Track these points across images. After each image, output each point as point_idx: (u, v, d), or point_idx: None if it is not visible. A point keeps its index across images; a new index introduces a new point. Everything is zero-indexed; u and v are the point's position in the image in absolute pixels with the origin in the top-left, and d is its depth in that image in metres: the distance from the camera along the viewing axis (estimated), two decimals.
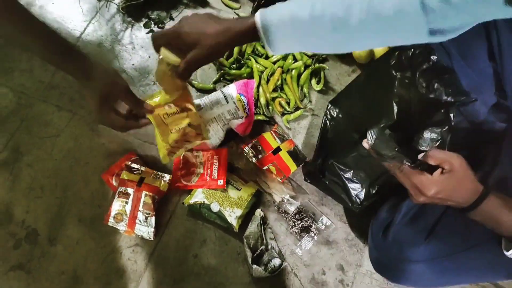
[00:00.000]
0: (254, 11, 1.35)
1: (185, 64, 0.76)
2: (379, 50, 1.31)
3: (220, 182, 1.11)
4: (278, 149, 1.16)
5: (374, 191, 1.02)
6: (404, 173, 0.76)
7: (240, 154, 1.16)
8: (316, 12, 0.66)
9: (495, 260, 0.84)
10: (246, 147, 1.15)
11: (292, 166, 1.15)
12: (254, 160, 1.13)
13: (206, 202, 1.08)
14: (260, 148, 1.16)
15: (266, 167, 1.13)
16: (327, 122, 1.11)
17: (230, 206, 1.08)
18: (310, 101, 1.29)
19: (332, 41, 0.70)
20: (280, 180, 1.13)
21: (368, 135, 0.82)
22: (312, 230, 1.12)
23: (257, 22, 0.69)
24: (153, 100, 0.89)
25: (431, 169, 0.75)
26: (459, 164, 0.73)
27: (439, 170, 0.74)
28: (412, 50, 1.00)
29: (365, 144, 0.82)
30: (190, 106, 0.92)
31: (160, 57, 0.79)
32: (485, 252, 0.84)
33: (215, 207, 1.07)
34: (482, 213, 0.75)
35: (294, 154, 1.18)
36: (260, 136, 1.18)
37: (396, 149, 0.78)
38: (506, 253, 0.75)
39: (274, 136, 1.19)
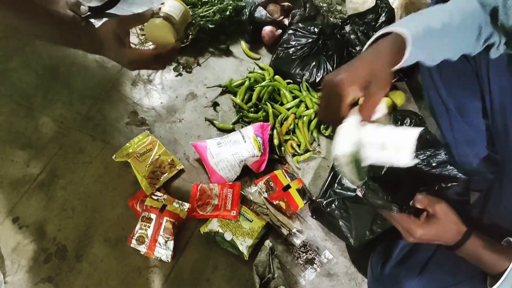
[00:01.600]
0: (272, 62, 1.51)
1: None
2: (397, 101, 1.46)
3: (233, 213, 1.23)
4: (288, 187, 1.29)
5: (370, 233, 1.14)
6: (394, 218, 0.88)
7: (253, 189, 1.28)
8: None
9: None
10: (260, 182, 1.27)
11: (300, 202, 1.27)
12: (266, 194, 1.25)
13: (220, 231, 1.20)
14: (272, 185, 1.28)
15: (276, 202, 1.25)
16: (334, 167, 1.24)
17: (242, 236, 1.19)
18: (319, 145, 1.43)
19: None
20: (289, 215, 1.25)
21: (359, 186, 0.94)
22: (315, 262, 1.22)
23: (406, 37, 0.73)
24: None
25: (419, 212, 0.87)
26: (440, 209, 0.85)
27: (424, 213, 0.87)
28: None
29: (359, 193, 0.95)
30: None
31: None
32: (473, 287, 0.94)
33: (228, 236, 1.19)
34: (465, 252, 0.86)
35: (302, 192, 1.30)
36: (272, 173, 1.31)
37: (385, 198, 0.90)
38: None
39: (285, 174, 1.32)
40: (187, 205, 1.25)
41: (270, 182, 1.28)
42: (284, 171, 1.32)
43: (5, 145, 1.33)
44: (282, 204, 1.25)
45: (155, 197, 1.26)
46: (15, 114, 1.39)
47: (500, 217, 0.99)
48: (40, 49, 1.52)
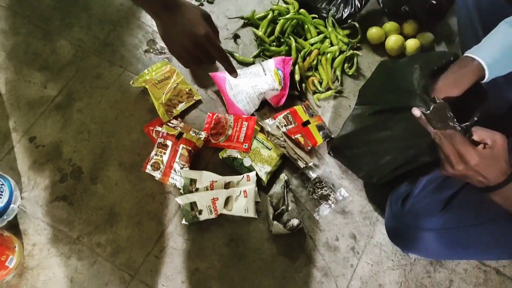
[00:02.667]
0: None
1: None
2: (411, 45, 1.39)
3: (245, 145, 1.20)
4: (307, 122, 1.25)
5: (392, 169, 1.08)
6: (453, 140, 0.81)
7: (271, 122, 1.25)
8: None
9: (502, 238, 0.90)
10: (279, 116, 1.24)
11: (319, 139, 1.24)
12: (284, 129, 1.22)
13: (239, 156, 1.18)
14: (291, 119, 1.25)
15: (295, 136, 1.22)
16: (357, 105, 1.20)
17: (261, 162, 1.18)
18: (341, 84, 1.38)
19: None
20: (306, 150, 1.22)
21: (421, 104, 0.90)
22: (330, 199, 1.20)
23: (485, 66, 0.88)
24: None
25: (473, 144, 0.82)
26: (501, 142, 0.80)
27: (481, 145, 0.82)
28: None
29: (416, 111, 0.89)
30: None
31: None
32: (495, 229, 0.90)
33: (247, 162, 1.17)
34: (503, 195, 0.81)
35: (322, 128, 1.26)
36: (292, 108, 1.27)
37: (452, 116, 0.87)
38: None
39: (305, 110, 1.28)
40: (203, 134, 1.23)
41: (289, 117, 1.25)
42: (304, 107, 1.29)
43: (22, 66, 1.31)
44: (301, 139, 1.22)
45: (171, 125, 1.25)
46: (32, 35, 1.36)
47: None
48: None
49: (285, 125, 1.23)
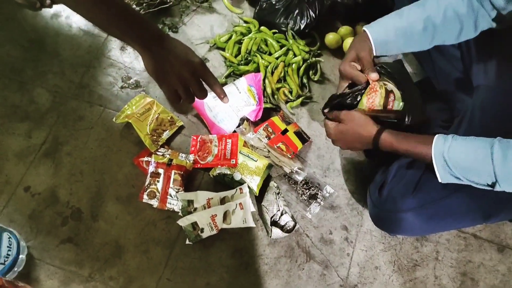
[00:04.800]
0: (256, 14, 1.54)
1: None
2: (347, 40, 1.52)
3: (233, 161, 1.28)
4: (286, 130, 1.35)
5: None
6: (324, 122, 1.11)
7: (253, 136, 1.34)
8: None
9: (470, 204, 1.01)
10: (259, 129, 1.33)
11: (298, 144, 1.34)
12: (266, 140, 1.32)
13: (229, 172, 1.27)
14: (270, 130, 1.34)
15: (277, 145, 1.31)
16: None
17: (250, 174, 1.27)
18: (309, 90, 1.49)
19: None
20: (290, 157, 1.32)
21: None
22: (318, 197, 1.31)
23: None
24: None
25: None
26: (344, 115, 1.04)
27: (336, 123, 1.07)
28: None
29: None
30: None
31: None
32: (462, 197, 1.01)
33: (237, 176, 1.26)
34: (385, 146, 0.99)
35: (299, 134, 1.37)
36: (269, 120, 1.37)
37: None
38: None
39: (282, 119, 1.38)
40: (192, 157, 1.31)
41: (269, 128, 1.35)
42: (280, 117, 1.39)
43: (3, 120, 1.35)
44: (283, 147, 1.32)
45: (160, 153, 1.31)
46: (8, 89, 1.39)
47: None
48: (23, 23, 1.51)
49: (266, 137, 1.33)
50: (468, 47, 1.15)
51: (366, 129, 1.01)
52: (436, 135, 0.92)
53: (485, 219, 1.05)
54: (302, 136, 1.37)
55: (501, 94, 1.04)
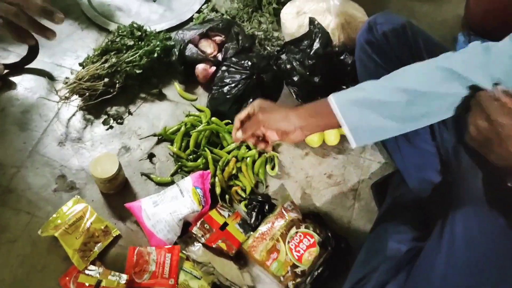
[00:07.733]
0: (209, 103, 1.42)
1: None
2: (331, 138, 1.38)
3: (171, 281, 1.12)
4: (225, 224, 1.20)
5: None
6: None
7: (197, 247, 1.17)
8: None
9: None
10: (194, 228, 1.17)
11: (241, 237, 1.19)
12: (203, 240, 1.15)
13: None
14: (208, 227, 1.18)
15: (215, 244, 1.15)
16: None
17: None
18: (267, 186, 1.33)
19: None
20: (239, 267, 1.14)
21: None
22: None
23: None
24: None
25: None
26: (253, 110, 0.94)
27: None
28: None
29: None
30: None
31: None
32: None
33: None
34: (312, 130, 0.94)
35: (243, 224, 1.22)
36: (206, 215, 1.21)
37: None
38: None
39: (220, 212, 1.23)
40: (125, 277, 1.13)
41: (206, 225, 1.19)
42: (218, 210, 1.23)
43: None
44: (223, 245, 1.16)
45: (88, 272, 1.14)
46: None
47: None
48: None
49: (202, 235, 1.17)
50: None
51: (281, 110, 0.94)
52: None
53: None
54: (245, 226, 1.22)
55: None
